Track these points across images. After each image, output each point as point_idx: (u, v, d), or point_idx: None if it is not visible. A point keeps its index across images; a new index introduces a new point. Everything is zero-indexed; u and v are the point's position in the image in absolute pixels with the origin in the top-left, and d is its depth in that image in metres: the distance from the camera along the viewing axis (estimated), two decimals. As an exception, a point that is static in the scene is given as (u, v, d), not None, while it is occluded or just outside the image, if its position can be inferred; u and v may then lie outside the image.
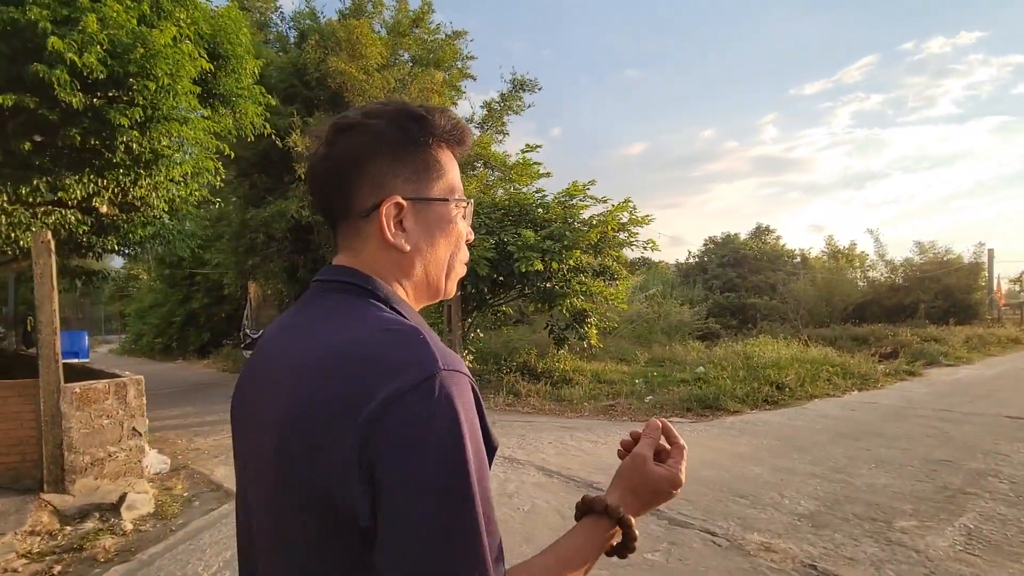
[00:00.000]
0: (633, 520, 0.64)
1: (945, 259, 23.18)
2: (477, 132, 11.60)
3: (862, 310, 24.28)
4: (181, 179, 4.98)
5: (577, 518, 0.65)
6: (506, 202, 8.46)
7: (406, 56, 10.93)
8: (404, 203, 0.62)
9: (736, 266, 31.62)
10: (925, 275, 23.39)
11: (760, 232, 34.60)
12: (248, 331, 10.34)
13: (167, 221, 5.20)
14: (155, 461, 4.94)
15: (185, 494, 4.42)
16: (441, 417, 0.49)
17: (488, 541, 0.50)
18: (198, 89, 4.78)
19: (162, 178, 4.53)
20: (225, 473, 4.82)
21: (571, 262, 8.43)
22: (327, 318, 0.60)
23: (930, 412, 6.61)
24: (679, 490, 0.66)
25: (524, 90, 12.28)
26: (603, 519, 0.63)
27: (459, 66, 11.59)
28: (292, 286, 10.47)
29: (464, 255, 0.71)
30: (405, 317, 0.60)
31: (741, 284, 30.74)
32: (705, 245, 35.04)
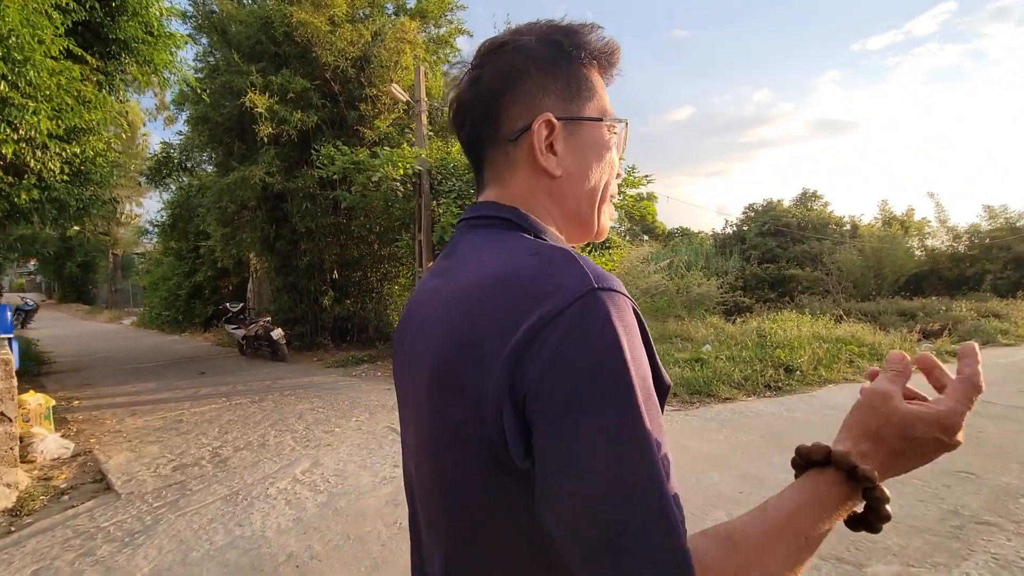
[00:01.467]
0: (876, 476, 0.47)
1: (1018, 224, 20.58)
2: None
3: (919, 282, 22.14)
4: (67, 135, 4.44)
5: (797, 474, 0.51)
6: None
7: (390, 8, 10.07)
8: (555, 122, 0.58)
9: (777, 235, 29.57)
10: (993, 242, 20.93)
11: (806, 198, 32.11)
12: (228, 305, 10.08)
13: (59, 184, 4.71)
14: (53, 446, 4.56)
15: (63, 486, 4.00)
16: (597, 340, 0.44)
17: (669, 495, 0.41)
18: (65, 43, 4.18)
19: (31, 132, 4.01)
20: (121, 462, 4.40)
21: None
22: (474, 254, 0.57)
23: (966, 404, 5.48)
24: (958, 437, 0.49)
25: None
26: (829, 472, 0.48)
27: (448, 18, 10.61)
28: (272, 257, 10.09)
29: (615, 186, 0.65)
30: (552, 242, 0.56)
31: (782, 254, 28.79)
32: (744, 213, 32.95)
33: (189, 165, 10.20)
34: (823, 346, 8.11)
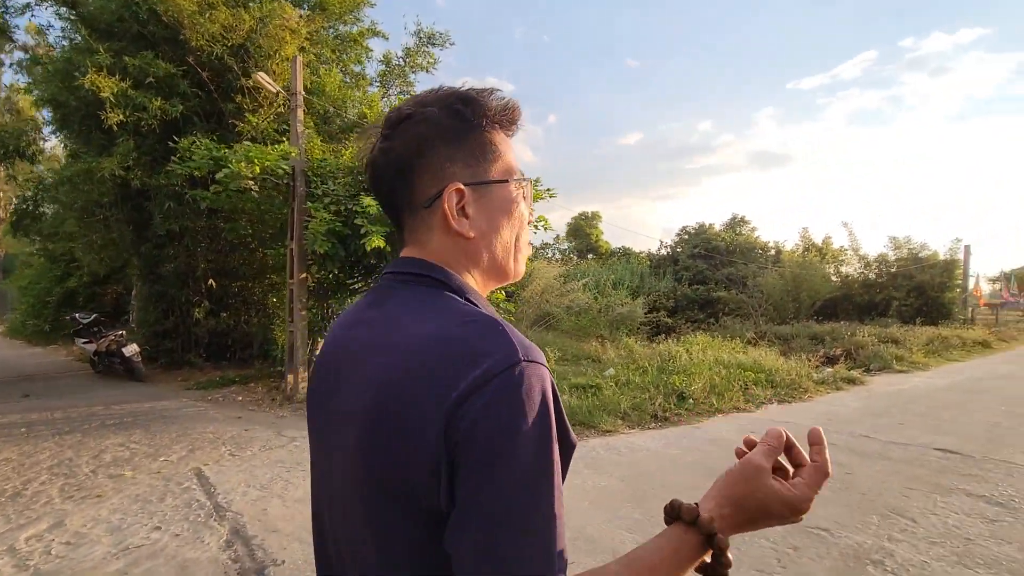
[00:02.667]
0: (727, 543, 0.58)
1: (920, 255, 21.89)
2: (372, 89, 10.02)
3: (833, 307, 23.11)
4: None
5: (667, 522, 0.60)
6: (355, 164, 6.87)
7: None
8: (464, 189, 0.63)
9: (707, 258, 30.38)
10: (898, 271, 22.17)
11: (735, 223, 33.24)
12: (78, 315, 8.80)
13: None
14: None
15: None
16: (521, 405, 0.50)
17: (561, 541, 0.49)
18: None
19: None
20: None
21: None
22: (409, 310, 0.61)
23: (846, 438, 5.23)
24: (803, 517, 0.60)
25: (433, 44, 10.67)
26: (691, 533, 0.58)
27: (355, 15, 9.93)
28: (138, 263, 8.90)
29: (528, 235, 0.71)
30: (480, 308, 0.61)
31: (711, 276, 29.55)
32: (679, 235, 33.76)
33: (30, 152, 8.89)
34: (722, 372, 7.86)
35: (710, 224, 32.92)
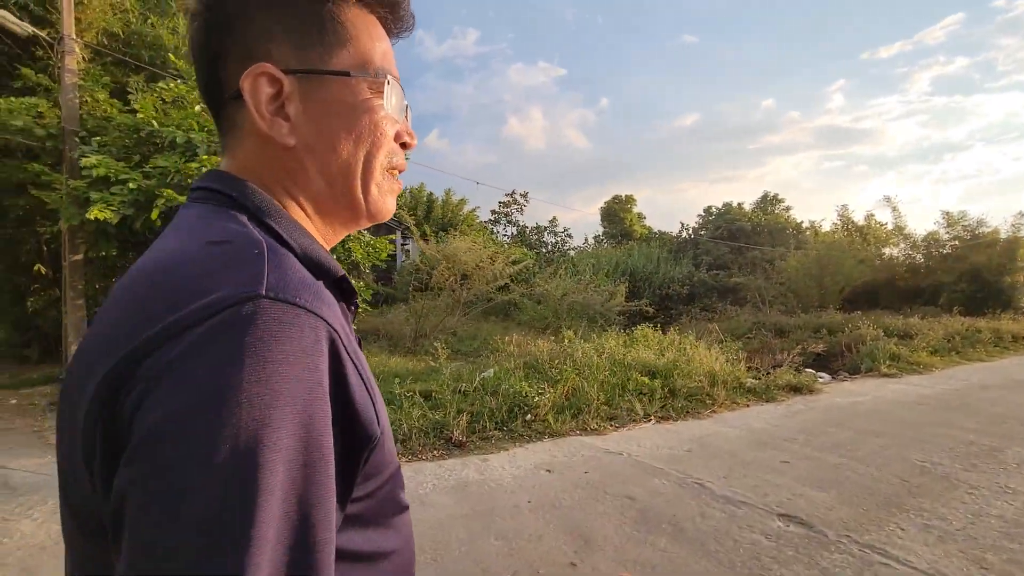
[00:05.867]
0: None
1: (977, 232, 18.47)
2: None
3: (873, 294, 20.05)
4: None
5: None
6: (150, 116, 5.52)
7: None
8: (282, 77, 0.45)
9: (732, 239, 27.59)
10: (950, 252, 18.85)
11: (767, 201, 30.08)
12: None
13: None
14: None
15: None
16: (241, 365, 0.32)
17: None
18: None
19: None
20: None
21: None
22: (163, 237, 0.44)
23: (668, 486, 3.47)
24: None
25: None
26: None
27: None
28: None
29: (394, 156, 0.51)
30: (280, 234, 0.43)
31: (734, 261, 26.81)
32: (700, 217, 31.00)
33: None
34: (609, 377, 6.12)
35: (738, 204, 30.00)
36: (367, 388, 0.40)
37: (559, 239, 27.47)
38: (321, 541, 0.33)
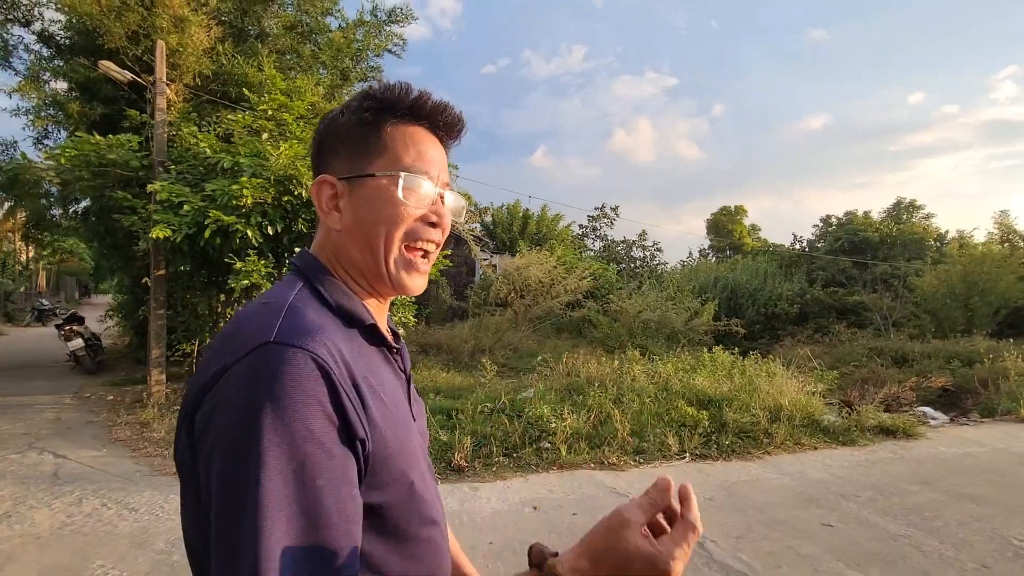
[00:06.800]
0: None
1: None
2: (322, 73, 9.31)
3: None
4: None
5: (530, 564, 0.57)
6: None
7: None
8: (336, 182, 0.63)
9: (855, 252, 24.47)
10: None
11: (901, 209, 26.23)
12: (43, 301, 9.68)
13: None
14: None
15: None
16: (256, 392, 0.47)
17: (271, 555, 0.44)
18: None
19: None
20: None
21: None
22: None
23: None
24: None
25: (393, 22, 9.74)
26: (533, 573, 0.55)
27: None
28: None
29: (416, 234, 0.64)
30: (325, 297, 0.60)
31: (859, 277, 23.70)
32: (816, 228, 27.92)
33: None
34: (650, 405, 5.52)
35: (864, 212, 26.49)
36: (361, 402, 0.52)
37: (648, 253, 26.16)
38: (328, 508, 0.46)
